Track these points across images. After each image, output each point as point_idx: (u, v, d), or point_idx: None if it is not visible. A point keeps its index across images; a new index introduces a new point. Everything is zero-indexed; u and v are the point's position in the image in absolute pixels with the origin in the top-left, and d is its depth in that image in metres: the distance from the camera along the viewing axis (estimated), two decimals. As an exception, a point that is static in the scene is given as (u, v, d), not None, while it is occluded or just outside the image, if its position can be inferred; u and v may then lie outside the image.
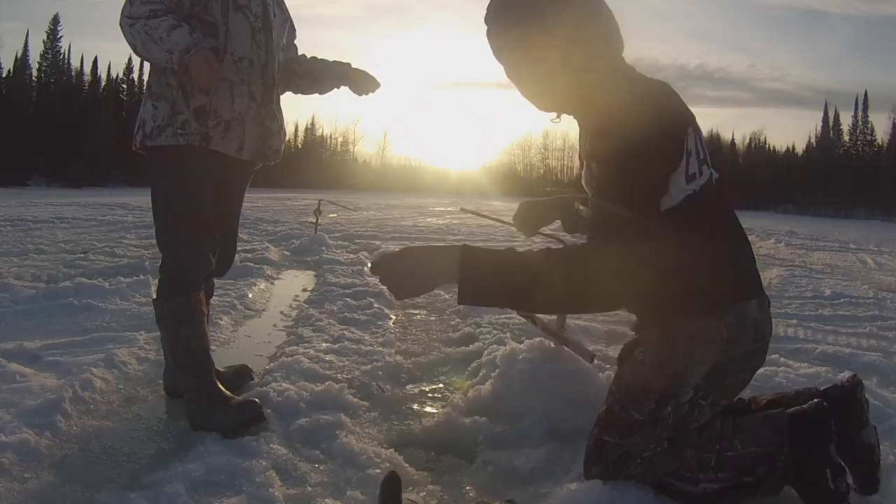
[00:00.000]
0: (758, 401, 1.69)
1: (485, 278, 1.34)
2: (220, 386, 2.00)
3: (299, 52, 2.33)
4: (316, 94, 2.38)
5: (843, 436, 1.47)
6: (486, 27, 1.51)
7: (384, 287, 1.36)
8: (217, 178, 2.03)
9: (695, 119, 1.50)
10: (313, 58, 2.32)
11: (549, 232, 2.20)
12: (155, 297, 2.03)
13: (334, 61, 2.30)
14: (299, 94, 2.37)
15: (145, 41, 1.84)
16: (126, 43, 1.92)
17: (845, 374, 1.59)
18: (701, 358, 1.46)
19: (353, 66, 2.28)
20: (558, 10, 1.42)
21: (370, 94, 2.28)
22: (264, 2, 2.05)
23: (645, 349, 1.56)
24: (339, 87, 2.30)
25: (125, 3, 1.88)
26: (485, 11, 1.51)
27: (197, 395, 1.94)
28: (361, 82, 2.25)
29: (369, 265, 1.36)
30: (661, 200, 1.41)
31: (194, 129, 1.93)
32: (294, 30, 2.29)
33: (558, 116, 1.62)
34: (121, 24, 1.88)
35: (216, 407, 1.90)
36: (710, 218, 1.50)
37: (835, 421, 1.46)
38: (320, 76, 2.27)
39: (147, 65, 2.04)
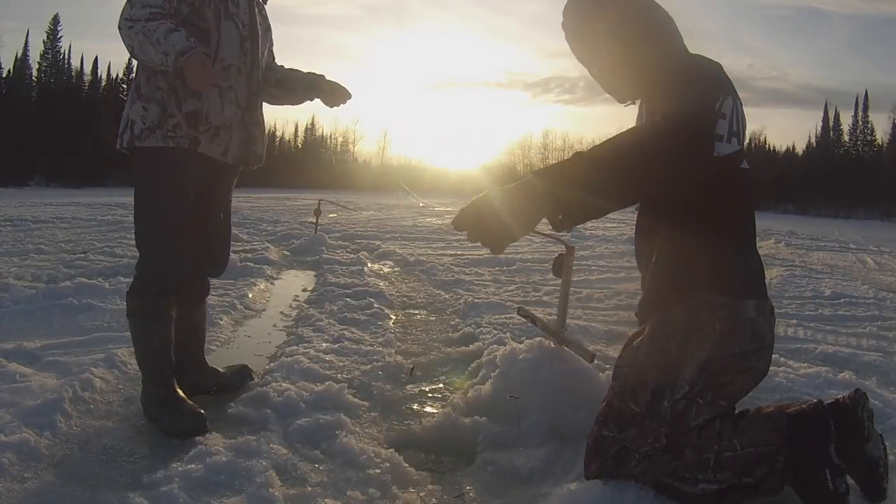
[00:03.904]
0: (760, 409, 1.69)
1: (579, 196, 1.27)
2: (177, 388, 2.03)
3: (289, 54, 2.33)
4: (287, 106, 2.37)
5: (846, 451, 1.47)
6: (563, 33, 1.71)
7: (475, 243, 1.25)
8: (201, 180, 2.03)
9: (734, 90, 1.53)
10: (288, 68, 2.31)
11: (548, 232, 2.20)
12: (128, 290, 2.04)
13: (308, 72, 2.29)
14: (272, 105, 2.35)
15: (142, 43, 1.85)
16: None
17: (846, 392, 1.57)
18: (694, 351, 1.47)
19: (326, 77, 2.28)
20: (620, 15, 1.59)
21: (341, 105, 2.28)
22: (251, 11, 2.08)
23: (642, 338, 1.59)
24: (311, 99, 2.29)
25: (125, 6, 1.90)
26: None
27: (153, 391, 2.00)
28: (333, 94, 2.25)
29: (454, 220, 1.26)
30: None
31: (185, 132, 1.94)
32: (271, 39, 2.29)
33: (633, 102, 1.73)
34: (119, 27, 1.89)
35: (164, 408, 1.96)
36: (729, 201, 1.51)
37: (837, 436, 1.46)
38: (292, 86, 2.27)
39: None
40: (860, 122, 51.52)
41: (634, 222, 1.81)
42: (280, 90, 2.28)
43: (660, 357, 1.50)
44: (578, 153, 1.35)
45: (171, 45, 1.82)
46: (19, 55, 42.85)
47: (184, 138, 1.94)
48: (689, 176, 1.42)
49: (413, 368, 2.60)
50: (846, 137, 52.49)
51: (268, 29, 2.23)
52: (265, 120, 2.22)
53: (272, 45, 2.32)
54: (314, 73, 2.29)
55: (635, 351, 1.58)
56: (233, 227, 2.35)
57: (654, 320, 1.58)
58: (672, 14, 1.65)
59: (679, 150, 1.35)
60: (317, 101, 2.29)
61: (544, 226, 2.03)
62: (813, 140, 54.35)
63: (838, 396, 1.57)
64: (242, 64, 2.05)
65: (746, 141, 1.68)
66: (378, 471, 1.66)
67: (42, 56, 43.50)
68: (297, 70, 2.31)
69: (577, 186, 1.28)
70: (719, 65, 1.56)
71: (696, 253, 1.51)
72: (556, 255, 2.34)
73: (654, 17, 1.62)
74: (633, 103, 1.74)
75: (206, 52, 1.93)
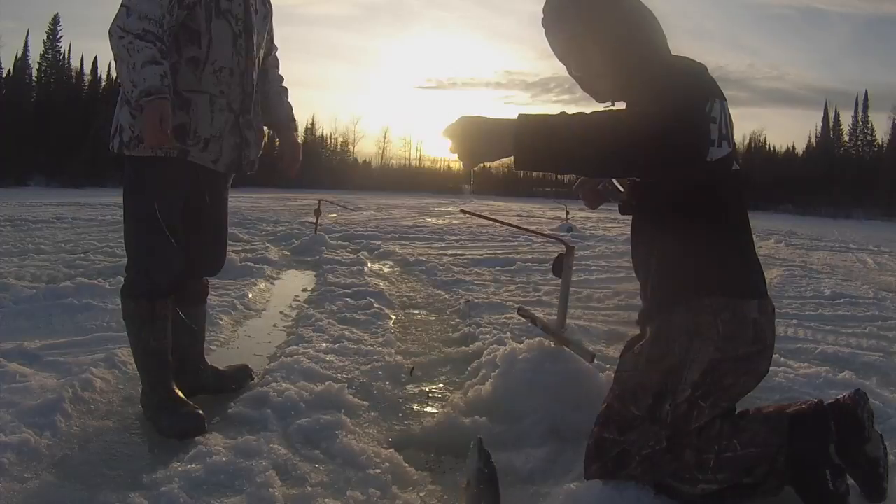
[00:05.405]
0: (760, 409, 1.69)
1: (539, 147, 1.34)
2: (176, 389, 2.02)
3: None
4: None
5: (846, 451, 1.47)
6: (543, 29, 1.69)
7: (454, 154, 1.38)
8: (191, 185, 2.00)
9: (720, 92, 1.52)
10: (278, 93, 2.27)
11: (548, 232, 2.21)
12: (121, 292, 2.02)
13: (286, 113, 2.27)
14: None
15: (124, 59, 1.75)
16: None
17: (846, 392, 1.56)
18: (697, 354, 1.47)
19: (293, 135, 2.29)
20: (602, 14, 1.59)
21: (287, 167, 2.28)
22: (246, 3, 2.00)
23: (643, 343, 1.59)
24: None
25: (121, 11, 1.79)
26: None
27: (151, 392, 1.99)
28: (285, 154, 2.27)
29: (442, 130, 1.39)
30: None
31: (173, 145, 1.89)
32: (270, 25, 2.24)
33: (612, 103, 1.72)
34: (110, 33, 1.79)
35: (163, 410, 1.94)
36: (723, 204, 1.51)
37: (837, 436, 1.45)
38: (267, 111, 2.22)
39: None
40: (860, 122, 51.55)
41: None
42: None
43: (662, 361, 1.50)
44: (564, 113, 1.36)
45: (142, 79, 1.70)
46: (19, 55, 42.80)
47: (172, 149, 1.90)
48: (678, 178, 1.43)
49: (413, 368, 2.60)
50: (846, 137, 52.54)
51: (266, 15, 2.15)
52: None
53: (272, 30, 2.26)
54: (289, 120, 2.28)
55: (637, 356, 1.57)
56: (233, 227, 2.35)
57: (656, 325, 1.57)
58: (672, 13, 1.65)
59: (671, 158, 1.33)
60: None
61: (546, 227, 2.03)
62: (813, 140, 54.38)
63: (838, 396, 1.57)
64: (235, 64, 1.98)
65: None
66: (378, 471, 1.66)
67: (42, 56, 43.47)
68: (282, 101, 2.28)
69: (552, 140, 1.33)
70: (704, 66, 1.55)
71: (696, 257, 1.51)
72: (556, 255, 2.34)
73: (644, 16, 1.61)
74: (613, 104, 1.72)
75: (195, 57, 1.90)
